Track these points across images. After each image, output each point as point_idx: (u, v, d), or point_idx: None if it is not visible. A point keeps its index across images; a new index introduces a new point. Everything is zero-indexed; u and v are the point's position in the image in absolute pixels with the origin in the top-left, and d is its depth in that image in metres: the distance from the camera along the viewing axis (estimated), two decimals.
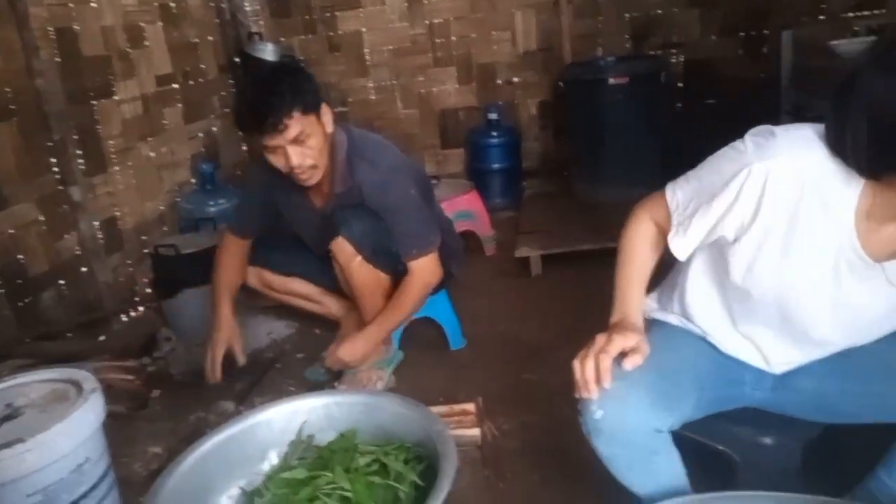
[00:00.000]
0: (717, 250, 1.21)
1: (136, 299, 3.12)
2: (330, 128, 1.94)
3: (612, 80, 3.31)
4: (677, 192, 1.18)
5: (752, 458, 1.40)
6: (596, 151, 3.50)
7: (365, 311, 2.09)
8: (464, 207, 3.23)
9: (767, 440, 1.38)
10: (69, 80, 2.78)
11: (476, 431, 1.88)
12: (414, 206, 2.02)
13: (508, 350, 2.41)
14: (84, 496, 1.45)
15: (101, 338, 2.86)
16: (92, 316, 2.89)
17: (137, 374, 2.38)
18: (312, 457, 1.25)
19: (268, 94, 1.79)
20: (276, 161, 1.88)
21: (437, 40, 4.13)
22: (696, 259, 1.28)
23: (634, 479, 1.22)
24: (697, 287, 1.29)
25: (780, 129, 1.09)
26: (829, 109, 1.01)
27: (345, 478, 1.12)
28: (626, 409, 1.11)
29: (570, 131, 3.78)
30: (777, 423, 1.37)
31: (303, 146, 1.85)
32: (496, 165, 4.01)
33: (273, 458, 1.34)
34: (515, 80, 4.14)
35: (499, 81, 4.16)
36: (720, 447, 1.42)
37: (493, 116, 3.96)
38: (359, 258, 2.00)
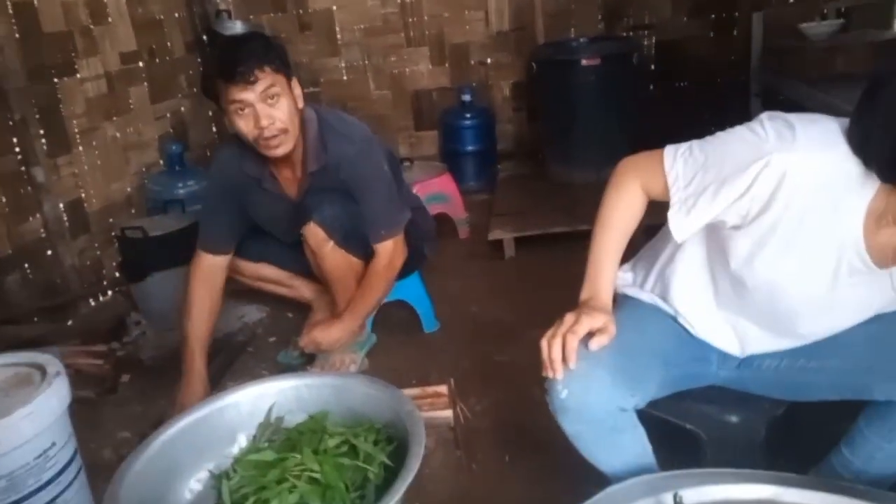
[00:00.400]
0: (715, 234, 1.19)
1: (104, 283, 3.07)
2: (301, 103, 1.91)
3: (584, 62, 3.31)
4: (678, 162, 1.13)
5: (718, 435, 1.42)
6: (569, 133, 3.50)
7: (337, 295, 2.07)
8: (437, 190, 3.21)
9: (733, 418, 1.41)
10: (29, 57, 2.69)
11: (448, 413, 1.88)
12: (385, 182, 2.01)
13: (480, 331, 2.41)
14: (50, 481, 1.43)
15: (69, 322, 2.82)
16: (58, 300, 2.84)
17: (106, 359, 2.35)
18: (281, 439, 1.24)
19: (240, 47, 1.79)
20: (245, 126, 1.81)
21: (410, 19, 4.09)
22: (691, 239, 1.21)
23: (601, 456, 1.23)
24: (687, 267, 1.27)
25: (797, 120, 1.06)
26: (855, 111, 1.00)
27: (313, 459, 1.12)
28: (589, 389, 1.12)
29: (543, 112, 3.78)
30: (742, 401, 1.40)
31: (273, 107, 1.80)
32: (470, 147, 4.00)
33: (242, 441, 1.33)
34: (489, 60, 4.12)
35: (472, 62, 4.14)
36: (687, 426, 1.45)
37: (467, 98, 3.94)
38: (331, 243, 1.97)
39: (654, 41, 3.91)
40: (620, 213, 1.21)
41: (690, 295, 1.28)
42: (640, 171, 1.20)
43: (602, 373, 1.12)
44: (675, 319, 1.32)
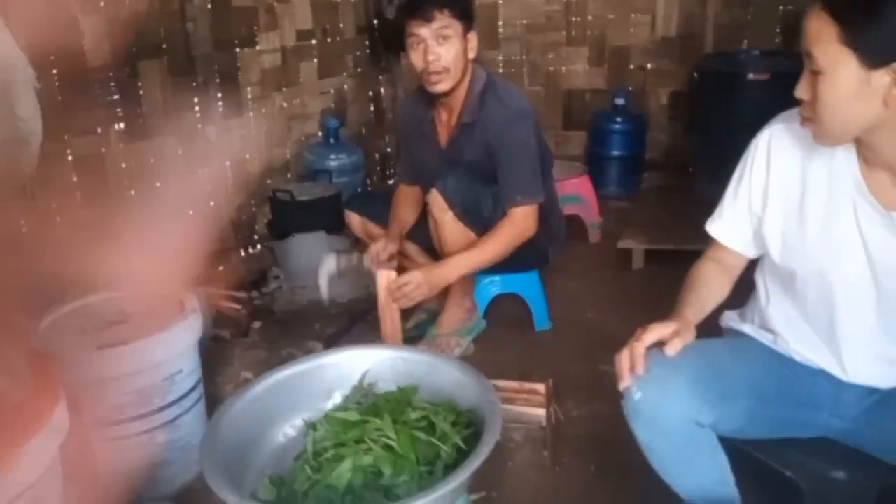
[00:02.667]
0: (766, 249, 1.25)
1: (255, 238, 3.35)
2: (472, 54, 2.05)
3: (750, 76, 3.11)
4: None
5: (820, 491, 1.32)
6: (723, 149, 3.26)
7: None
8: (573, 191, 3.18)
9: (839, 474, 1.29)
10: (217, 27, 2.99)
11: (542, 412, 1.88)
12: (529, 154, 2.05)
13: (592, 338, 2.38)
14: (173, 403, 1.62)
15: (220, 268, 3.12)
16: (214, 247, 3.14)
17: (244, 305, 2.58)
18: (369, 403, 1.31)
19: None
20: (415, 57, 2.00)
21: (573, 18, 4.05)
22: (761, 264, 1.32)
23: (673, 472, 1.20)
24: (763, 288, 1.30)
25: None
26: None
27: (391, 427, 1.18)
28: (664, 393, 1.11)
29: (699, 125, 3.59)
30: (854, 459, 1.29)
31: (442, 46, 1.96)
32: (616, 152, 3.90)
33: (337, 399, 1.42)
34: (649, 66, 3.98)
35: (631, 66, 4.02)
36: (787, 473, 1.35)
37: (621, 102, 3.84)
38: (450, 213, 2.05)
39: None
40: (696, 278, 1.33)
41: (780, 314, 1.26)
42: (707, 251, 1.37)
43: (680, 380, 1.11)
44: (776, 353, 1.24)
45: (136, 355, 1.51)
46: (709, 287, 1.30)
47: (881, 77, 0.95)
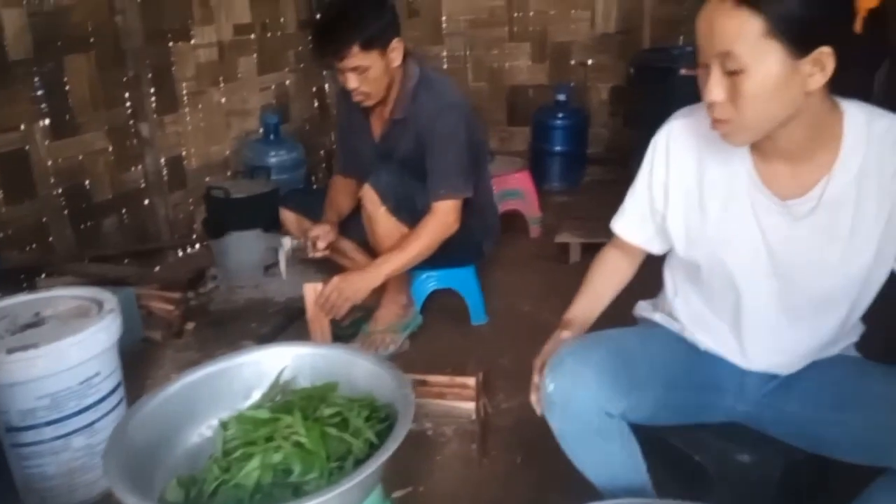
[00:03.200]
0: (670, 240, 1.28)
1: (193, 237, 3.29)
2: (396, 62, 2.03)
3: (683, 71, 3.17)
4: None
5: (727, 472, 1.36)
6: None
7: None
8: (513, 186, 3.21)
9: (745, 457, 1.34)
10: (148, 20, 2.93)
11: (472, 405, 1.91)
12: (457, 146, 2.05)
13: (527, 331, 2.40)
14: (90, 407, 1.58)
15: (156, 268, 3.06)
16: (149, 246, 3.08)
17: (177, 306, 2.53)
18: (283, 401, 1.31)
19: (335, 22, 1.94)
20: (340, 77, 2.04)
21: (516, 14, 4.08)
22: (669, 258, 1.34)
23: (587, 461, 1.22)
24: (670, 281, 1.33)
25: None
26: None
27: (301, 424, 1.17)
28: (575, 384, 1.12)
29: (637, 120, 3.65)
30: (759, 441, 1.33)
31: (360, 75, 1.98)
32: (559, 147, 3.94)
33: (255, 397, 1.40)
34: (589, 62, 4.04)
35: (572, 62, 4.07)
36: (696, 457, 1.39)
37: (562, 97, 3.88)
38: (383, 208, 2.06)
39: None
40: (594, 268, 1.40)
41: (684, 305, 1.30)
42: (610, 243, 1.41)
43: (589, 371, 1.12)
44: (683, 339, 1.28)
45: (48, 358, 1.47)
46: (607, 276, 1.36)
47: (806, 65, 0.94)
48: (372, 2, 1.97)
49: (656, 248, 1.32)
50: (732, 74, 0.96)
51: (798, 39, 0.93)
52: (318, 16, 2.09)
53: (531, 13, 4.06)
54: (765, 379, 1.26)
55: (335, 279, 2.00)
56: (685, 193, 1.19)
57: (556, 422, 1.19)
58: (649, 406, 1.20)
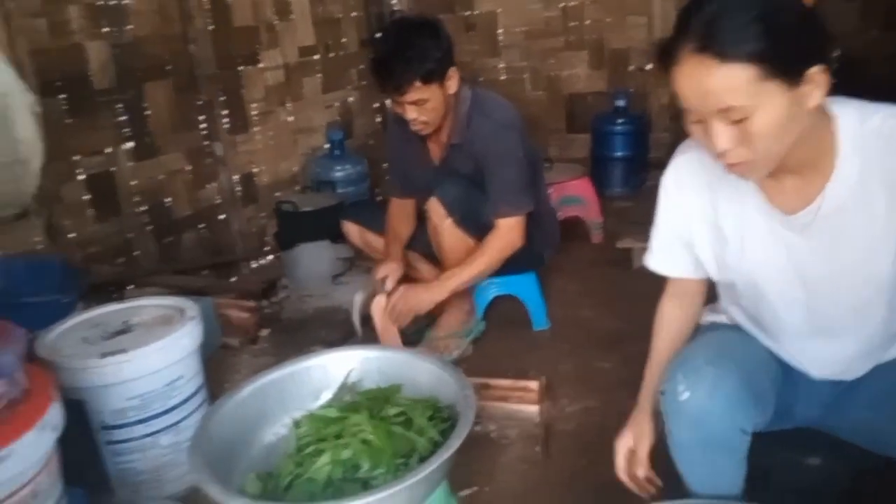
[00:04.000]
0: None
1: (266, 249, 3.44)
2: (453, 90, 2.08)
3: None
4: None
5: (794, 478, 1.34)
6: None
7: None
8: (573, 192, 3.22)
9: (813, 460, 1.32)
10: (219, 47, 3.10)
11: (535, 409, 1.93)
12: (515, 164, 2.09)
13: (588, 337, 2.41)
14: (175, 408, 1.69)
15: (231, 279, 3.22)
16: (225, 258, 3.24)
17: (252, 314, 2.65)
18: (350, 401, 1.37)
19: (395, 58, 1.96)
20: (398, 108, 2.08)
21: (571, 23, 4.10)
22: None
23: (697, 472, 1.16)
24: (722, 294, 1.33)
25: None
26: None
27: (369, 423, 1.24)
28: (713, 396, 1.06)
29: None
30: (829, 445, 1.31)
31: (420, 107, 2.02)
32: (619, 153, 3.92)
33: (324, 398, 1.48)
34: (648, 67, 4.01)
35: (631, 68, 4.05)
36: (762, 462, 1.37)
37: (621, 103, 3.86)
38: (449, 220, 2.11)
39: (835, 55, 3.57)
40: (658, 329, 1.35)
41: (742, 319, 1.29)
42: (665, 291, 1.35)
43: (729, 385, 1.06)
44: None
45: (136, 363, 1.58)
46: (665, 333, 1.32)
47: (804, 87, 0.94)
48: (429, 34, 2.00)
49: (703, 273, 1.27)
50: (737, 122, 0.94)
51: (790, 71, 0.92)
52: (376, 47, 2.11)
53: (587, 21, 4.07)
54: (831, 384, 1.24)
55: (402, 289, 2.08)
56: (706, 226, 1.19)
57: (683, 431, 1.11)
58: (768, 417, 1.18)
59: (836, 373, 1.21)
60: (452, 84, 2.06)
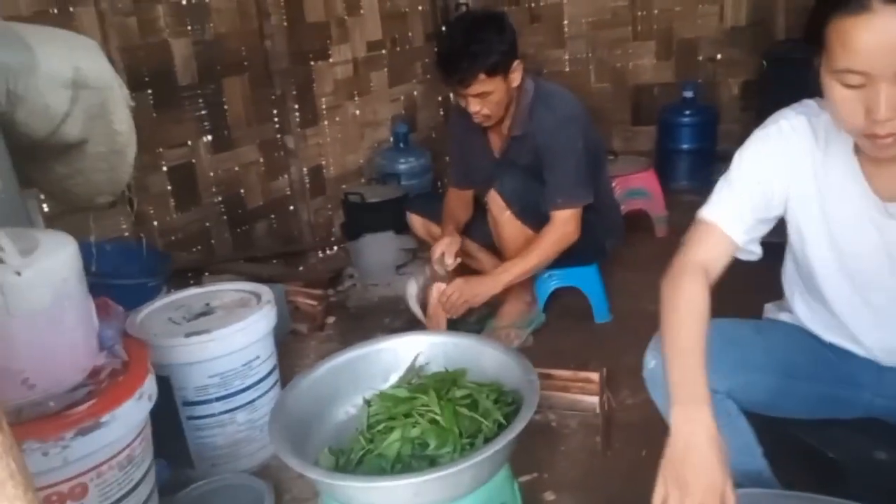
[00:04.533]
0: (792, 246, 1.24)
1: (332, 239, 3.56)
2: (516, 83, 2.12)
3: None
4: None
5: (863, 470, 1.32)
6: None
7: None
8: (638, 185, 3.19)
9: (882, 454, 1.30)
10: (293, 43, 3.21)
11: (595, 399, 1.95)
12: (573, 158, 2.11)
13: (651, 330, 2.35)
14: (251, 386, 1.80)
15: (300, 268, 3.34)
16: (294, 248, 3.37)
17: (320, 302, 2.76)
18: (419, 383, 1.43)
19: (460, 52, 2.01)
20: (461, 100, 2.13)
21: (639, 13, 4.04)
22: (784, 263, 1.32)
23: None
24: (787, 284, 1.32)
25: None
26: None
27: (437, 403, 1.29)
28: None
29: (771, 114, 3.51)
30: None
31: (484, 99, 2.07)
32: (686, 146, 3.85)
33: (393, 380, 1.54)
34: (718, 56, 3.92)
35: (700, 58, 3.97)
36: (830, 454, 1.36)
37: (689, 94, 3.79)
38: (508, 212, 2.15)
39: None
40: (684, 314, 1.11)
41: (808, 310, 1.28)
42: (688, 248, 1.21)
43: None
44: (814, 337, 1.26)
45: (218, 342, 1.69)
46: (706, 321, 1.11)
47: None
48: (494, 27, 2.03)
49: (746, 242, 1.19)
50: None
51: None
52: (442, 41, 2.14)
53: (655, 11, 4.00)
54: None
55: (458, 281, 2.13)
56: (802, 195, 1.15)
57: (658, 397, 1.22)
58: (764, 392, 1.19)
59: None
60: (516, 77, 2.09)
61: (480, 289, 2.13)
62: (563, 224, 2.11)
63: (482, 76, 2.01)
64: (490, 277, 2.15)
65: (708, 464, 0.95)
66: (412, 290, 2.32)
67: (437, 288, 2.18)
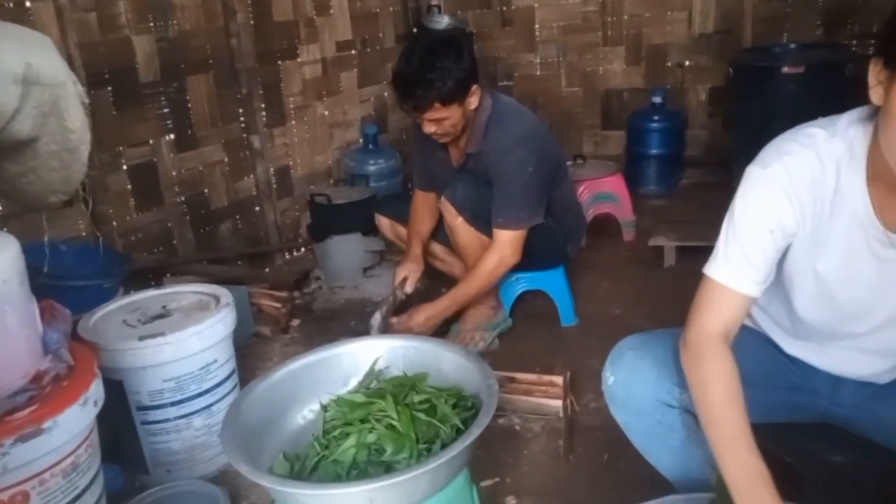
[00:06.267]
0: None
1: (299, 241, 3.51)
2: (473, 106, 2.11)
3: (785, 69, 3.06)
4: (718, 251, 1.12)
5: (818, 474, 1.33)
6: (759, 144, 3.22)
7: (468, 267, 2.22)
8: (606, 189, 3.20)
9: (838, 458, 1.31)
10: (260, 42, 3.17)
11: (559, 403, 1.95)
12: (524, 181, 2.10)
13: (617, 334, 2.33)
14: (209, 391, 1.76)
15: (266, 269, 3.29)
16: (260, 249, 3.32)
17: (284, 304, 2.72)
18: (377, 387, 1.41)
19: (416, 78, 1.99)
20: (418, 120, 2.14)
21: (609, 18, 4.07)
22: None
23: (653, 454, 1.25)
24: (760, 302, 1.27)
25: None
26: None
27: (394, 408, 1.27)
28: (633, 376, 1.17)
29: (737, 121, 3.56)
30: (856, 444, 1.30)
31: (437, 123, 2.07)
32: (655, 151, 3.88)
33: (352, 385, 1.51)
34: (687, 63, 3.96)
35: (669, 64, 4.01)
36: (786, 458, 1.37)
37: (658, 100, 3.82)
38: (460, 218, 2.16)
39: None
40: (721, 404, 1.06)
41: (768, 323, 1.28)
42: (700, 319, 1.10)
43: (648, 364, 1.16)
44: (769, 342, 1.27)
45: (173, 346, 1.65)
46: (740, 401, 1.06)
47: None
48: (452, 54, 1.99)
49: (759, 290, 1.12)
50: None
51: None
52: (399, 63, 2.11)
53: (625, 17, 4.03)
54: (860, 384, 1.23)
55: (405, 316, 2.19)
56: (803, 231, 1.08)
57: (619, 414, 1.24)
58: None
59: (869, 375, 1.21)
60: (473, 100, 2.09)
61: (428, 322, 2.18)
62: (502, 247, 2.12)
63: (437, 105, 2.00)
64: (434, 310, 2.19)
65: None
66: (376, 322, 2.29)
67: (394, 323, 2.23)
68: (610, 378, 1.21)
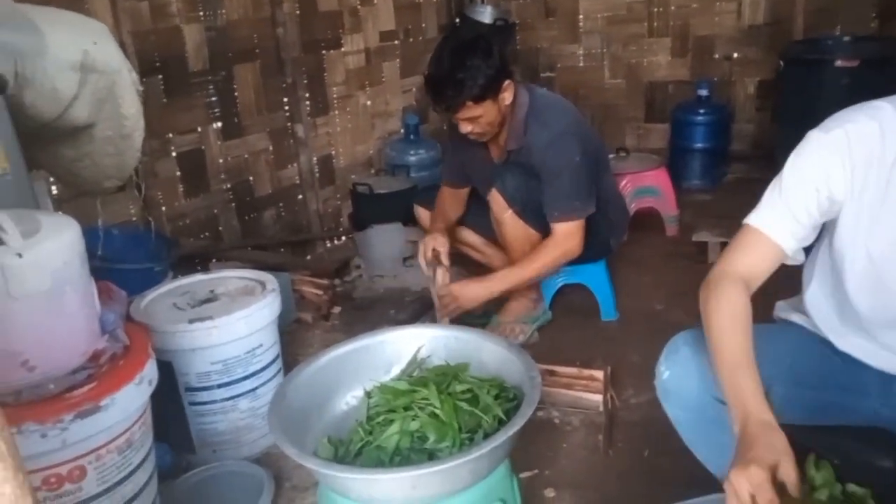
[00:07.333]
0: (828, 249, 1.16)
1: (340, 229, 3.55)
2: (508, 101, 2.09)
3: (838, 63, 2.98)
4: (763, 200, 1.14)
5: (866, 478, 1.31)
6: None
7: (513, 261, 2.22)
8: (648, 183, 3.16)
9: (885, 463, 1.28)
10: (305, 31, 3.20)
11: (599, 397, 1.94)
12: (571, 172, 2.09)
13: (658, 329, 2.34)
14: (254, 374, 1.80)
15: (307, 257, 3.34)
16: (301, 237, 3.37)
17: (326, 291, 2.76)
18: (419, 375, 1.42)
19: (446, 79, 2.00)
20: (454, 121, 2.13)
21: (656, 9, 4.00)
22: (815, 261, 1.24)
23: (702, 449, 1.25)
24: (807, 283, 1.26)
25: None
26: None
27: (437, 397, 1.28)
28: (688, 371, 1.16)
29: (785, 115, 3.46)
30: None
31: (473, 122, 2.06)
32: (699, 145, 3.82)
33: (394, 372, 1.53)
34: (735, 55, 3.88)
35: (716, 56, 3.93)
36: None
37: (704, 93, 3.75)
38: (510, 211, 2.14)
39: None
40: (728, 328, 1.07)
41: (822, 314, 1.23)
42: (728, 259, 1.14)
43: (703, 359, 1.13)
44: (821, 341, 1.24)
45: (220, 330, 1.68)
46: (749, 330, 1.07)
47: None
48: (481, 53, 1.99)
49: (793, 250, 1.13)
50: None
51: None
52: (430, 65, 2.11)
53: (672, 7, 3.96)
54: None
55: (454, 286, 2.14)
56: (857, 203, 1.07)
57: (671, 409, 1.23)
58: (771, 401, 1.19)
59: None
60: (507, 96, 2.08)
61: (475, 294, 2.14)
62: (566, 238, 2.10)
63: (469, 103, 2.00)
64: (486, 283, 2.16)
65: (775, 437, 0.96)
66: (439, 276, 2.27)
67: (441, 275, 2.19)
68: (665, 372, 1.20)
